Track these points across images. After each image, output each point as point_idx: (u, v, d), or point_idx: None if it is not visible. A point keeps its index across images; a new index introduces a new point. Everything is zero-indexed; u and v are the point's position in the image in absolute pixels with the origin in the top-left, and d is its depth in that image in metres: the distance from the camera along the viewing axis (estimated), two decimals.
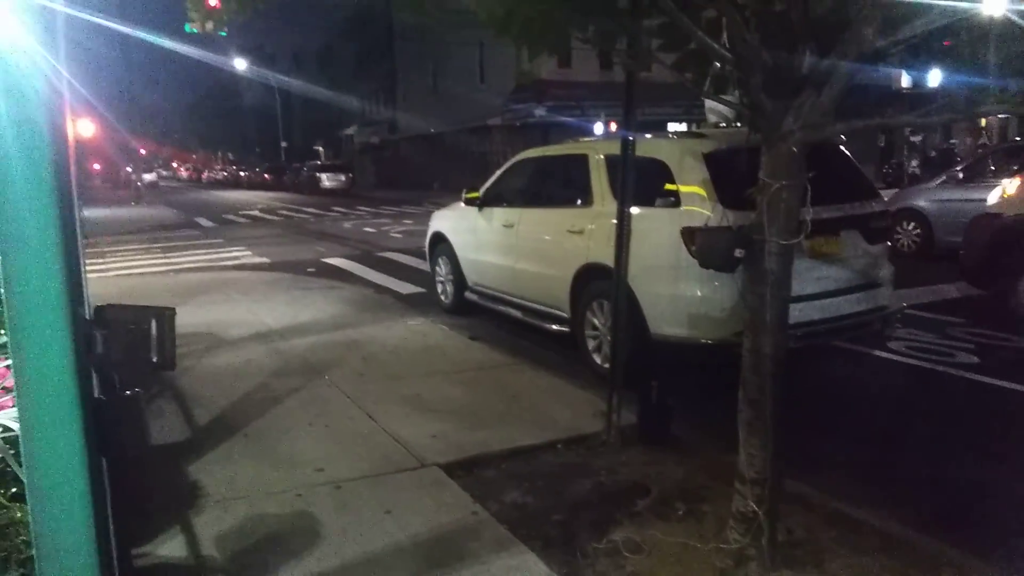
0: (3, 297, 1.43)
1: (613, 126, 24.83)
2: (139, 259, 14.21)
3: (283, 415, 4.99)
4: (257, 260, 13.85)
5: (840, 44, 2.57)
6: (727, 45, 2.84)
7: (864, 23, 2.48)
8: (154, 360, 1.66)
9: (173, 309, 1.71)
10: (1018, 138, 22.92)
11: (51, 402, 1.47)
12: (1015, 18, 2.86)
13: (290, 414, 5.00)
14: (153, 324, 1.65)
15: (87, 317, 1.59)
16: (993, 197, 8.02)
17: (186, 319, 7.69)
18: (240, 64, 46.38)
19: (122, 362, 1.63)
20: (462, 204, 8.06)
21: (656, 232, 5.32)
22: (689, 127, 22.88)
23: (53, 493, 1.50)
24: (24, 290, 1.43)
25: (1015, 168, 9.74)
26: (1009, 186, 7.80)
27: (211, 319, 7.73)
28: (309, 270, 12.23)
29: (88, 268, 7.00)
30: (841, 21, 2.57)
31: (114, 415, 1.67)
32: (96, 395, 1.59)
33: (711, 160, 5.28)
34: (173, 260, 14.05)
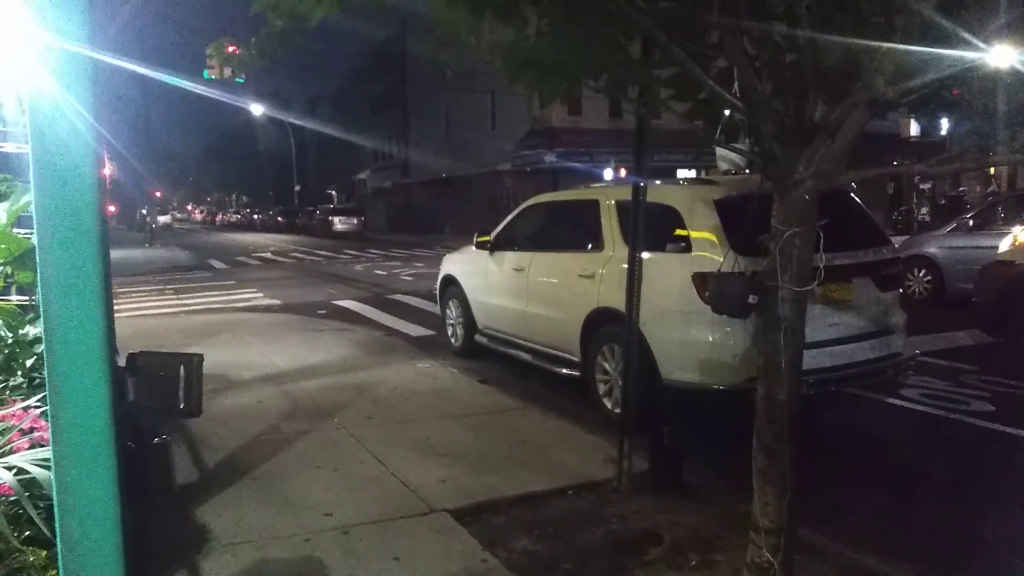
0: (43, 344, 1.45)
1: (623, 172, 25.04)
2: (152, 300, 14.30)
3: (292, 458, 4.96)
4: (269, 302, 13.91)
5: (851, 93, 2.60)
6: (738, 94, 2.87)
7: (875, 73, 2.51)
8: (181, 407, 1.66)
9: (201, 356, 1.72)
10: None
11: (88, 451, 1.47)
12: (1023, 68, 2.90)
13: (299, 457, 4.98)
14: (181, 370, 1.66)
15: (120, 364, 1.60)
16: (1004, 245, 8.02)
17: None
18: (256, 109, 47.18)
19: (152, 409, 1.64)
20: (473, 248, 8.10)
21: (667, 277, 5.33)
22: (699, 174, 23.05)
23: (87, 541, 1.49)
24: (66, 339, 1.44)
25: None
26: (1020, 234, 7.80)
27: (222, 360, 7.74)
28: (320, 312, 12.26)
29: None
30: (852, 71, 2.61)
31: (145, 463, 1.67)
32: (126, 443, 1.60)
33: (722, 206, 5.30)
34: (185, 301, 14.13)
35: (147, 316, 11.90)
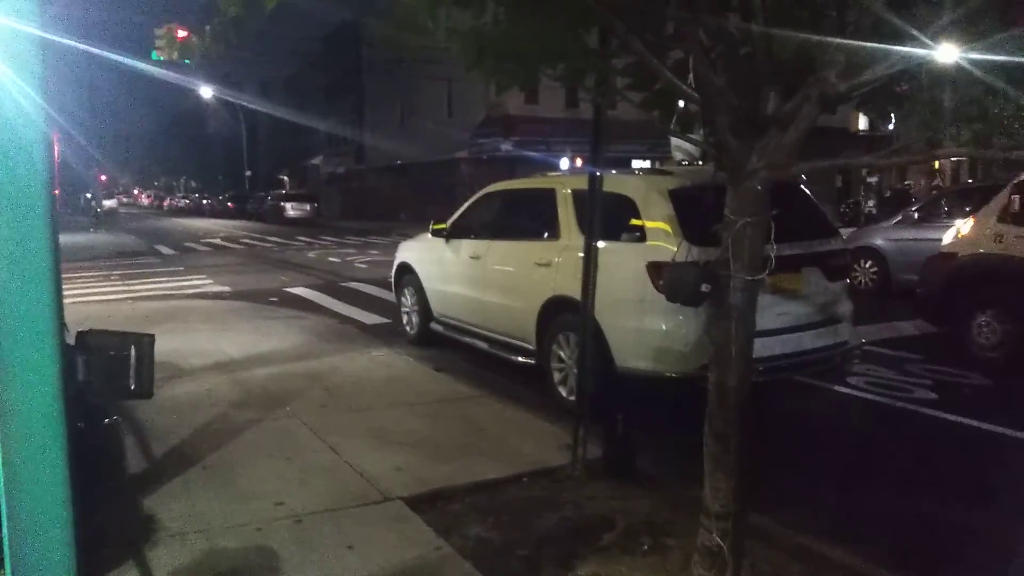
0: None
1: (579, 162, 25.13)
2: (97, 286, 13.93)
3: (243, 447, 4.89)
4: (218, 289, 13.66)
5: (804, 86, 2.65)
6: (693, 85, 2.90)
7: (827, 67, 2.56)
8: (132, 388, 1.62)
9: (152, 336, 1.68)
10: (970, 180, 23.71)
11: (38, 431, 1.43)
12: (968, 66, 2.98)
13: (250, 446, 4.91)
14: (132, 350, 1.62)
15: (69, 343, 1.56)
16: (948, 237, 8.24)
17: None
18: (206, 92, 46.11)
19: (102, 389, 1.60)
20: (429, 235, 8.06)
21: (622, 266, 5.37)
22: (653, 164, 23.25)
23: (36, 524, 1.46)
24: (13, 314, 1.40)
25: (968, 209, 10.04)
26: (963, 226, 8.03)
27: (171, 348, 7.58)
28: (272, 299, 12.09)
29: None
30: (805, 64, 2.65)
31: (95, 444, 1.63)
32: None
33: (676, 196, 5.36)
34: (132, 287, 13.80)
35: (92, 303, 11.59)
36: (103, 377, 1.59)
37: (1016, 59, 2.82)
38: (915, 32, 2.52)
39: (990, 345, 7.39)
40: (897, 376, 6.92)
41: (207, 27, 3.78)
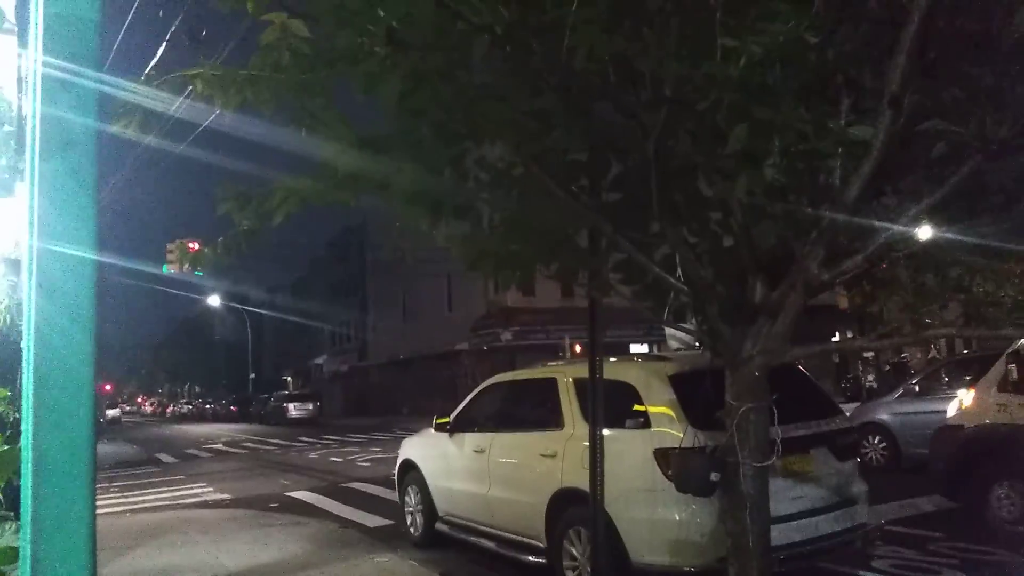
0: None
1: (578, 348, 25.40)
2: (96, 500, 13.58)
3: None
4: (219, 496, 13.33)
5: (788, 276, 2.78)
6: (682, 278, 3.05)
7: (807, 258, 2.71)
8: None
9: None
10: (966, 351, 23.88)
11: None
12: (944, 245, 3.14)
13: None
14: None
15: None
16: (952, 409, 8.20)
17: (140, 564, 7.28)
18: (214, 300, 47.45)
19: None
20: (432, 430, 7.99)
21: (629, 454, 5.30)
22: (650, 349, 23.52)
23: None
24: None
25: (968, 378, 10.06)
26: (965, 398, 8.01)
27: (165, 563, 7.29)
28: (272, 505, 11.76)
29: None
30: (786, 255, 2.80)
31: None
32: None
33: (676, 381, 5.40)
34: (131, 499, 13.46)
35: None
36: None
37: (986, 242, 2.99)
38: (887, 224, 2.70)
39: (1012, 518, 7.15)
40: (922, 556, 6.63)
41: (220, 239, 4.00)
